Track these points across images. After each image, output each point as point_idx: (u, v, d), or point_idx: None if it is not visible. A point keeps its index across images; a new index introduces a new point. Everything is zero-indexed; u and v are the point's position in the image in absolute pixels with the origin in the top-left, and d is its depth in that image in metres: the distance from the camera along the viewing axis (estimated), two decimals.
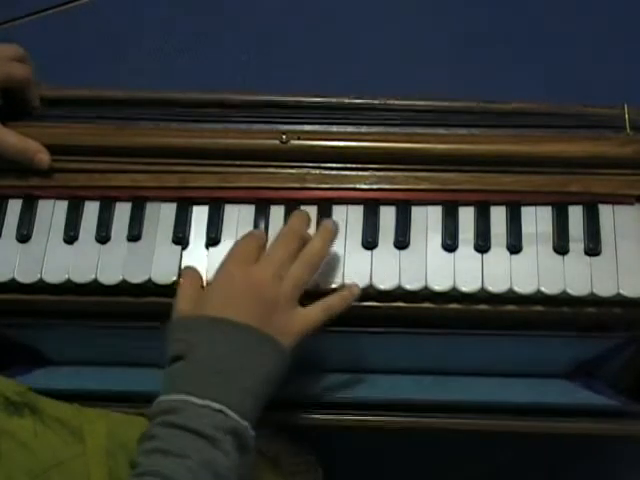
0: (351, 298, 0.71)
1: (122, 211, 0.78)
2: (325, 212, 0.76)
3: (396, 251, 0.75)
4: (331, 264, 0.74)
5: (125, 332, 0.80)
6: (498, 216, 0.75)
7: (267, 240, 0.73)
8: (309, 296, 0.71)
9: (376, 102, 0.80)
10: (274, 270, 0.68)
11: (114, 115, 0.80)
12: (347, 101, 0.80)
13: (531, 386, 0.83)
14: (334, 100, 0.80)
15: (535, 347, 0.80)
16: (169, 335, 0.66)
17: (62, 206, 0.78)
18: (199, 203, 0.78)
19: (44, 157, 0.77)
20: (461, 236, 0.75)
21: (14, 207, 0.79)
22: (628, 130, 0.77)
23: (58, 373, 0.87)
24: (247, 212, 0.77)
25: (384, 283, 0.74)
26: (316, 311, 0.69)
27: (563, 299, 0.73)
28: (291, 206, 0.76)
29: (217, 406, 0.61)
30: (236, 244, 0.71)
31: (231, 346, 0.64)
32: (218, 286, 0.68)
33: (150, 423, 0.62)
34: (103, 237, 0.77)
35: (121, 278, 0.75)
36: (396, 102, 0.80)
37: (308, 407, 0.75)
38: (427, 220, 0.76)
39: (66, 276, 0.76)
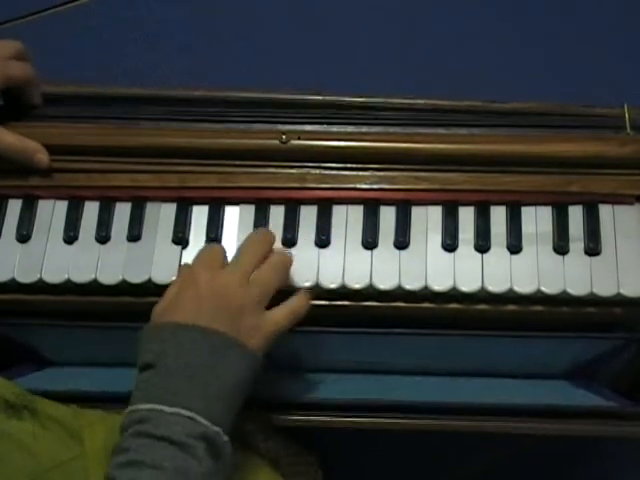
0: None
1: (122, 211, 0.78)
2: (325, 212, 0.76)
3: (396, 251, 0.75)
4: (330, 264, 0.74)
5: (123, 333, 0.80)
6: (498, 216, 0.75)
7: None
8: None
9: (376, 101, 0.80)
10: (241, 275, 0.68)
11: (114, 115, 0.80)
12: (347, 99, 0.80)
13: (530, 387, 0.83)
14: (334, 98, 0.80)
15: (534, 348, 0.80)
16: (140, 344, 0.66)
17: (62, 206, 0.78)
18: (199, 203, 0.78)
19: (43, 157, 0.77)
20: (461, 236, 0.75)
21: (14, 207, 0.79)
22: (628, 130, 0.77)
23: (58, 374, 0.87)
24: (247, 212, 0.77)
25: (384, 283, 0.74)
26: (282, 314, 0.69)
27: (563, 299, 0.73)
28: (291, 206, 0.76)
29: (187, 413, 0.61)
30: (201, 251, 0.71)
31: (198, 352, 0.64)
32: (184, 291, 0.67)
33: (122, 435, 0.62)
34: (103, 237, 0.77)
35: (121, 278, 0.75)
36: (396, 101, 0.80)
37: (304, 408, 0.75)
38: (427, 220, 0.76)
39: (66, 276, 0.76)
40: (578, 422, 0.74)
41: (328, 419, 0.74)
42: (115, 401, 0.75)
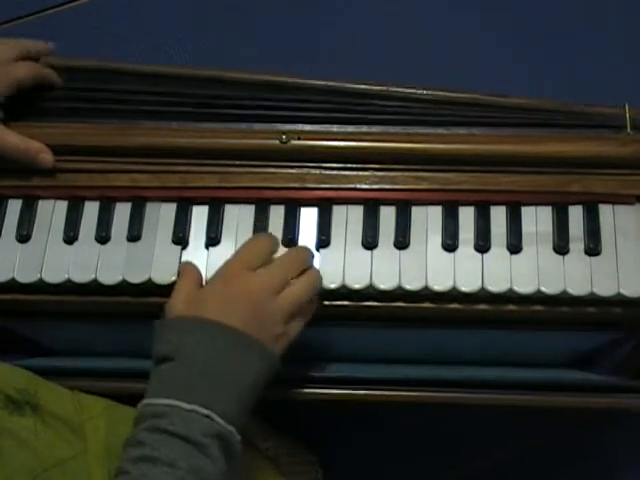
0: (316, 280, 0.71)
1: (122, 211, 0.78)
2: (325, 212, 0.76)
3: (396, 251, 0.75)
4: (330, 264, 0.74)
5: (125, 329, 0.81)
6: (498, 216, 0.75)
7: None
8: None
9: (377, 89, 0.79)
10: (274, 282, 0.67)
11: (117, 96, 0.80)
12: (349, 86, 0.80)
13: (532, 373, 0.84)
14: (335, 84, 0.80)
15: (535, 341, 0.81)
16: (158, 334, 0.66)
17: (62, 206, 0.78)
18: (199, 203, 0.78)
19: (47, 157, 0.77)
20: (461, 236, 0.75)
21: (14, 207, 0.79)
22: (629, 130, 0.77)
23: (58, 358, 0.88)
24: (247, 212, 0.77)
25: (384, 283, 0.74)
26: (298, 325, 0.69)
27: (563, 299, 0.73)
28: (291, 206, 0.76)
29: (204, 411, 0.61)
30: (245, 245, 0.70)
31: (218, 348, 0.63)
32: (216, 287, 0.68)
33: (136, 427, 0.61)
34: (103, 237, 0.77)
35: (121, 278, 0.75)
36: (398, 90, 0.79)
37: (310, 382, 0.77)
38: (427, 220, 0.76)
39: (66, 276, 0.76)
40: (580, 395, 0.75)
41: (332, 392, 0.76)
42: (117, 376, 0.76)
